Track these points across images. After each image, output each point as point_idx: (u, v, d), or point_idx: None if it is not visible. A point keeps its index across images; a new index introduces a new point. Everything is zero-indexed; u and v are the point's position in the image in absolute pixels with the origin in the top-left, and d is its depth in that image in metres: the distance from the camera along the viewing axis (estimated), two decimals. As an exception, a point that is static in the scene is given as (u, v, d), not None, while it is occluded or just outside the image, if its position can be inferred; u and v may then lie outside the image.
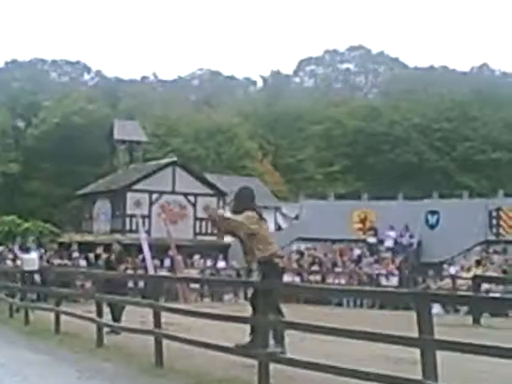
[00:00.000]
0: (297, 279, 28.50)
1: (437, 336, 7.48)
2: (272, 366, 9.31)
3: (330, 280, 29.23)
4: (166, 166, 38.33)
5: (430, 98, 69.75)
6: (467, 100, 67.39)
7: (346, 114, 68.18)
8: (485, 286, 23.94)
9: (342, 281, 29.11)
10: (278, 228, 44.91)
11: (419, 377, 7.48)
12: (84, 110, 57.66)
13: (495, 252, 29.67)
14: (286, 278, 28.25)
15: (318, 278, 29.19)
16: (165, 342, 11.57)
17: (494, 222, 30.11)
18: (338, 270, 30.40)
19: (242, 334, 10.58)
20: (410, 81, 78.22)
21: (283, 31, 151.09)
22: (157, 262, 30.12)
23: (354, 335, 9.00)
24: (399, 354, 10.01)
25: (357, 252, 31.96)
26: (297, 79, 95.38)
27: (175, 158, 40.99)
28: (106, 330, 14.19)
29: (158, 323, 11.81)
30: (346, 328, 9.10)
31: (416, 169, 62.05)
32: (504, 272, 27.24)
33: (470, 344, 7.45)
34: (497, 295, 21.92)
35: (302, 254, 32.39)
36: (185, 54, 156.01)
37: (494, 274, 26.58)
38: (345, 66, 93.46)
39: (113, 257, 16.91)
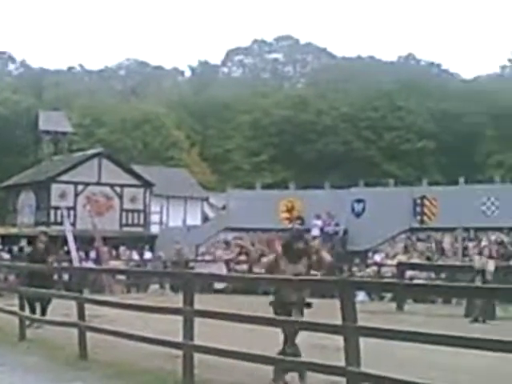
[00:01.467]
0: (224, 269, 28.47)
1: (360, 323, 7.53)
2: (196, 356, 9.30)
3: (257, 269, 29.26)
4: (92, 156, 37.89)
5: (358, 88, 70.41)
6: (394, 90, 68.19)
7: (274, 103, 68.36)
8: (409, 272, 24.31)
9: (269, 270, 29.15)
10: (206, 218, 44.86)
11: (342, 363, 7.53)
12: (8, 101, 56.66)
13: (419, 239, 30.12)
14: (215, 269, 28.48)
15: (245, 267, 29.19)
16: (89, 334, 11.43)
17: (419, 209, 30.51)
18: (265, 259, 30.45)
19: (166, 324, 10.53)
20: (338, 71, 78.76)
21: (211, 21, 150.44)
22: (82, 254, 29.78)
23: (278, 324, 9.02)
24: (324, 342, 10.07)
25: (284, 241, 32.02)
26: (225, 69, 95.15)
27: (101, 149, 40.56)
28: (32, 324, 13.98)
29: (81, 315, 11.66)
30: (268, 316, 9.12)
31: (343, 158, 62.61)
32: (428, 259, 27.70)
33: (391, 330, 7.54)
34: (420, 282, 22.31)
35: (228, 244, 32.37)
36: (111, 44, 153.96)
37: (418, 261, 27.02)
38: (273, 56, 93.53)
39: (40, 246, 16.46)
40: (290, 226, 32.38)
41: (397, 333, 7.49)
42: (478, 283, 18.01)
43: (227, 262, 29.76)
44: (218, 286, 25.79)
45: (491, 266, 18.85)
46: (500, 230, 28.27)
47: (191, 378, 9.20)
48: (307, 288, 9.55)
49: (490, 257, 19.60)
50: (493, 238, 27.96)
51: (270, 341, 9.47)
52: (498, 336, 6.72)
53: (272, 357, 8.86)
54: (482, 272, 18.64)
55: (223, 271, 27.69)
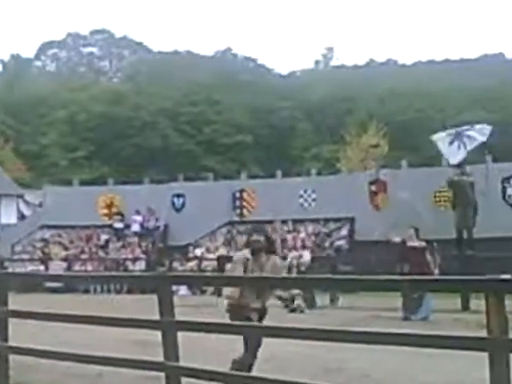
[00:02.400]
0: (41, 268, 27.67)
1: (179, 317, 7.46)
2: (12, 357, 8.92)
3: (76, 267, 28.68)
4: None
5: (176, 83, 70.33)
6: (212, 84, 68.68)
7: (91, 98, 67.13)
8: (229, 265, 24.47)
9: (89, 267, 28.67)
10: (22, 216, 43.36)
11: (161, 359, 7.44)
12: None
13: (239, 232, 30.42)
14: (30, 268, 27.60)
15: (64, 265, 28.50)
16: None
17: (238, 203, 30.85)
18: (84, 256, 29.93)
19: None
20: (155, 65, 78.41)
21: (23, 14, 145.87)
22: None
23: (97, 321, 8.79)
24: (147, 338, 9.91)
25: (104, 237, 31.55)
26: (38, 63, 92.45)
27: None
28: None
29: None
30: (88, 315, 8.87)
31: (162, 153, 62.41)
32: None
33: (209, 323, 7.54)
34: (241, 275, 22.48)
35: (46, 241, 31.45)
36: None
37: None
38: (88, 49, 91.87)
39: None
40: (109, 222, 31.89)
41: (215, 326, 7.51)
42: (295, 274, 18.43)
43: (44, 261, 28.95)
44: (52, 285, 24.92)
45: (307, 256, 19.28)
46: (317, 221, 29.05)
47: (6, 380, 8.81)
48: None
49: (304, 247, 20.08)
50: (310, 229, 28.70)
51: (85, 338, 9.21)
52: (312, 325, 6.86)
53: (97, 356, 8.57)
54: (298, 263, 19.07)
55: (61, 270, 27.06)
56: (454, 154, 22.95)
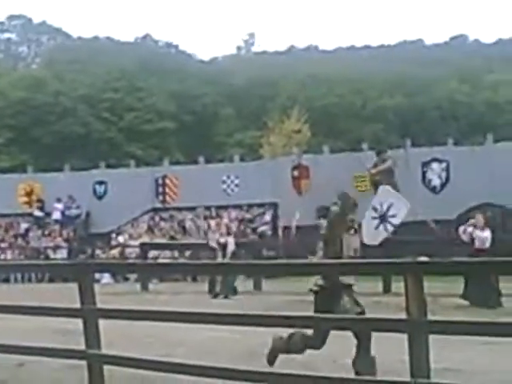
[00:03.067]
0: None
1: (100, 305, 7.42)
2: None
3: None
4: None
5: (97, 69, 69.32)
6: (133, 71, 67.92)
7: (9, 84, 65.65)
8: (153, 252, 24.41)
9: (9, 256, 28.24)
10: None
11: (83, 347, 7.39)
12: None
13: (162, 219, 30.35)
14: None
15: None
16: None
17: (161, 189, 30.73)
18: (4, 245, 29.45)
19: None
20: (75, 51, 77.04)
21: None
22: None
23: (17, 310, 8.67)
24: (67, 326, 9.81)
25: (24, 226, 31.06)
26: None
27: None
28: None
29: None
30: (8, 304, 8.76)
31: (83, 140, 61.50)
32: (171, 238, 27.98)
33: (131, 311, 7.53)
34: (165, 261, 22.46)
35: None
36: None
37: (162, 241, 27.24)
38: (6, 35, 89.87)
39: None
40: (29, 210, 31.38)
41: (136, 313, 7.50)
42: (219, 260, 18.45)
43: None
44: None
45: (231, 243, 19.32)
46: (240, 207, 29.15)
47: None
48: None
49: (228, 233, 20.12)
50: (233, 215, 28.79)
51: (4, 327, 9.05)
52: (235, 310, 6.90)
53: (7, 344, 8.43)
54: (223, 248, 19.08)
55: None
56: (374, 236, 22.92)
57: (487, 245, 14.66)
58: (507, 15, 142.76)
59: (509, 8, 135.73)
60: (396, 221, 21.37)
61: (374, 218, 22.53)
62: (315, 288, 8.21)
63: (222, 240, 19.42)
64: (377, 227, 22.43)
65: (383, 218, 22.67)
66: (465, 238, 15.06)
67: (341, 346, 8.96)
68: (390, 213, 22.58)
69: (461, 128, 54.86)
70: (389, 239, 20.25)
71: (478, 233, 14.70)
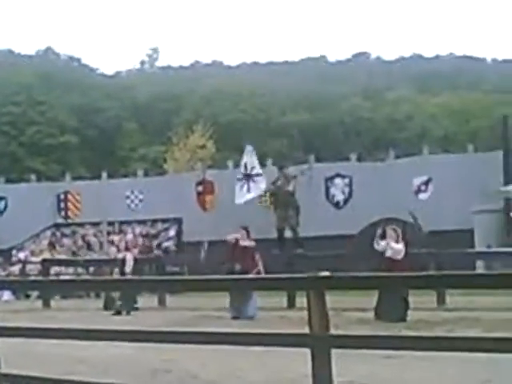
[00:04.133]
0: None
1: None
2: None
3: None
4: None
5: (-4, 82, 67.89)
6: (34, 84, 66.71)
7: None
8: (55, 268, 23.97)
9: None
10: None
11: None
12: None
13: (64, 235, 29.86)
14: None
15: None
16: None
17: (63, 205, 30.24)
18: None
19: None
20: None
21: None
22: None
23: None
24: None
25: None
26: None
27: None
28: None
29: None
30: None
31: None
32: (74, 254, 27.56)
33: (30, 328, 7.40)
34: (66, 278, 22.10)
35: None
36: None
37: (64, 257, 26.80)
38: None
39: None
40: None
41: (36, 330, 7.36)
42: (117, 275, 18.29)
43: None
44: None
45: (130, 258, 19.17)
46: (144, 222, 28.94)
47: None
48: None
49: (127, 249, 19.95)
50: (137, 230, 28.55)
51: None
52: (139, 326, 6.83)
53: None
54: (122, 263, 18.92)
55: None
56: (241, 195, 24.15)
57: (400, 256, 14.88)
58: (408, 33, 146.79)
59: (410, 26, 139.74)
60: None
61: (240, 178, 23.74)
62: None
63: (120, 256, 19.29)
64: (242, 187, 23.55)
65: (249, 177, 23.58)
66: (380, 248, 15.22)
67: (246, 361, 9.00)
68: (255, 172, 23.69)
69: (364, 143, 55.84)
70: (299, 255, 20.44)
71: (392, 244, 14.92)
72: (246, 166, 24.54)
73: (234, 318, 15.76)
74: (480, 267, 20.36)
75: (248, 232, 17.19)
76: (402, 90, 67.68)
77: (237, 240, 17.06)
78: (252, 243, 17.10)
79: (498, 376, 7.74)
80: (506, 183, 24.19)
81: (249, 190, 24.36)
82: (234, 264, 16.47)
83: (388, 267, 14.24)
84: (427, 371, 8.45)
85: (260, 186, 24.40)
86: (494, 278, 5.83)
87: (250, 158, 24.71)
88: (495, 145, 27.34)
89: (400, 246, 14.98)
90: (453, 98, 63.28)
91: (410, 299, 14.04)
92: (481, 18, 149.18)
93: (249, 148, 25.37)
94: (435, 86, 68.24)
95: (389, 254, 14.91)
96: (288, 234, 22.91)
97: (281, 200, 22.67)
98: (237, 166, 30.48)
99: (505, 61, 76.72)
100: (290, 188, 22.58)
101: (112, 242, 25.98)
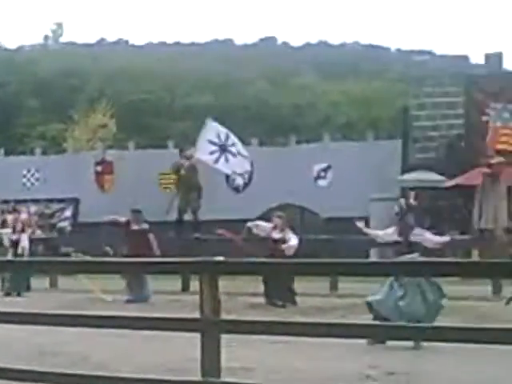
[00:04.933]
0: None
1: None
2: None
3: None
4: None
5: None
6: None
7: None
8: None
9: None
10: None
11: None
12: None
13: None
14: None
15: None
16: None
17: None
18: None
19: None
20: None
21: None
22: None
23: None
24: None
25: None
26: None
27: None
28: None
29: None
30: None
31: None
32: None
33: None
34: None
35: None
36: None
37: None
38: None
39: None
40: None
41: None
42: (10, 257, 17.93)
43: None
44: None
45: (24, 240, 18.83)
46: (39, 201, 28.33)
47: None
48: None
49: (23, 231, 19.54)
50: (33, 210, 27.90)
51: None
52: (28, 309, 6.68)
53: None
54: (16, 245, 18.58)
55: None
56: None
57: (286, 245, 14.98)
58: (315, 20, 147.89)
59: (317, 13, 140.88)
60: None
61: (213, 151, 22.37)
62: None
63: (15, 237, 18.89)
64: (217, 160, 22.35)
65: (223, 148, 22.59)
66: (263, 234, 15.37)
67: (137, 345, 8.93)
68: (230, 142, 22.64)
69: (266, 128, 56.04)
70: (196, 239, 20.37)
71: (274, 234, 15.06)
72: (219, 137, 22.73)
73: (129, 301, 15.60)
74: (374, 255, 20.69)
75: (139, 215, 17.08)
76: (307, 77, 68.13)
77: (128, 223, 16.91)
78: (144, 226, 16.99)
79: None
80: (403, 172, 24.65)
81: (227, 161, 22.52)
82: (125, 246, 16.45)
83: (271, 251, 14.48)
84: (315, 357, 8.55)
85: (244, 165, 23.06)
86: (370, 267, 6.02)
87: (222, 129, 23.31)
88: (395, 134, 27.78)
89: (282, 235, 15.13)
90: (356, 86, 64.10)
91: (304, 285, 14.20)
92: (387, 7, 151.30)
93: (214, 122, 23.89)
94: (340, 73, 68.93)
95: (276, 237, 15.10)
96: (188, 216, 22.76)
97: (183, 182, 22.49)
98: (138, 147, 30.13)
99: (410, 51, 77.95)
100: (192, 170, 22.39)
101: (4, 222, 25.29)
